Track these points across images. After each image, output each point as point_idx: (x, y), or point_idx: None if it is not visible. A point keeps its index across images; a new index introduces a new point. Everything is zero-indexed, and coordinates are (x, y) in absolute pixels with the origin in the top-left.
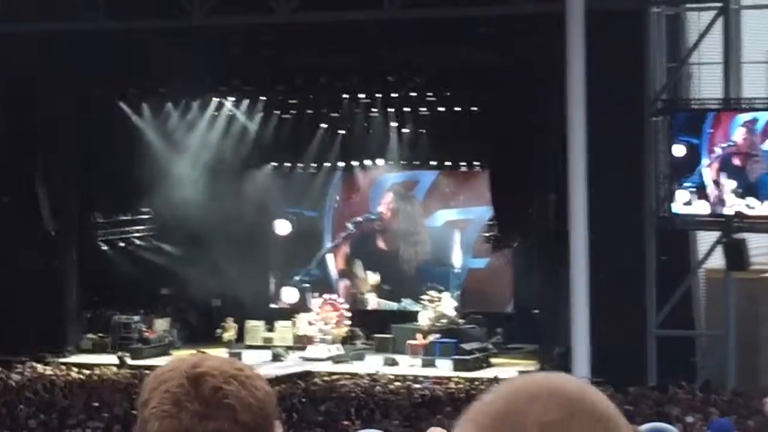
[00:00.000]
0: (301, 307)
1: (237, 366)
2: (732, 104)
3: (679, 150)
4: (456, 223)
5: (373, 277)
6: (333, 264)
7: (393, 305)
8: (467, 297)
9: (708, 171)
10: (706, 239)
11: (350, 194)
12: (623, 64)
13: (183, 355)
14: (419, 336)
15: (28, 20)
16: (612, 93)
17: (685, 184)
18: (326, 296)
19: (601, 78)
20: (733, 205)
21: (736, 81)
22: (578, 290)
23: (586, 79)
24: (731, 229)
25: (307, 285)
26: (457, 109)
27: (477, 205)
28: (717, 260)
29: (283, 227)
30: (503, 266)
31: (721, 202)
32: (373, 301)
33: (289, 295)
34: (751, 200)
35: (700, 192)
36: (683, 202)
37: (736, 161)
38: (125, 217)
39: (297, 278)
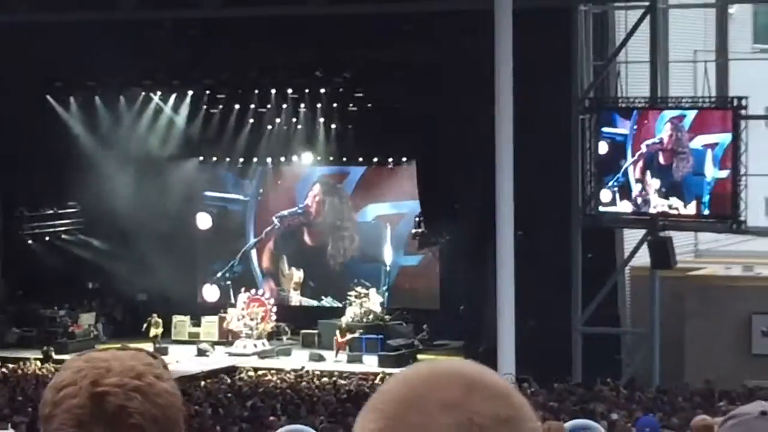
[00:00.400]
0: (223, 305)
1: (139, 371)
2: (659, 103)
3: (602, 147)
4: (387, 218)
5: (297, 274)
6: (257, 260)
7: (314, 303)
8: (397, 294)
9: (632, 169)
10: (632, 237)
11: (275, 188)
12: (551, 61)
13: (86, 355)
14: (345, 332)
15: None
16: (539, 90)
17: (609, 183)
18: (252, 292)
19: (528, 75)
20: (657, 205)
21: (663, 80)
22: (504, 287)
23: (514, 76)
24: (657, 228)
25: (229, 282)
26: (384, 104)
27: (407, 199)
28: (643, 258)
29: (204, 221)
30: (432, 263)
31: (645, 202)
32: (295, 299)
33: (210, 293)
34: (674, 200)
35: (623, 191)
36: (606, 202)
37: (662, 159)
38: (51, 211)
39: (219, 275)
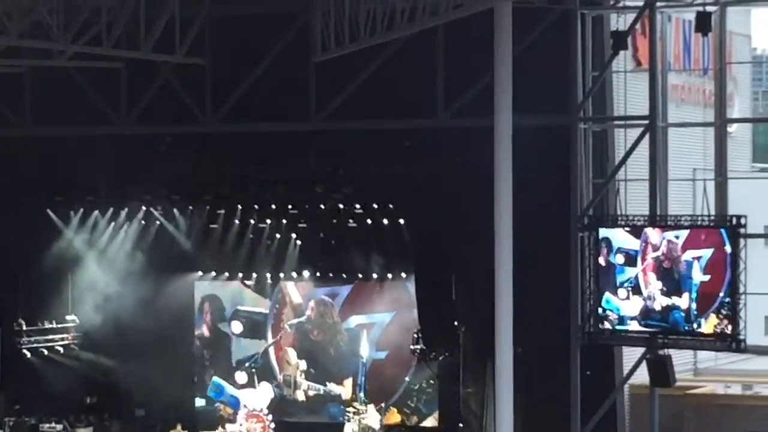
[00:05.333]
0: (251, 384)
1: None
2: (658, 221)
3: (619, 259)
4: (364, 326)
5: (302, 364)
6: (273, 354)
7: (319, 387)
8: (372, 380)
9: (641, 274)
10: (631, 355)
11: (283, 305)
12: (550, 179)
13: None
14: None
15: None
16: (538, 207)
17: (624, 284)
18: (252, 408)
19: (528, 192)
20: (661, 302)
21: (662, 198)
22: (504, 407)
23: (513, 193)
24: (656, 346)
25: (254, 370)
26: (382, 220)
27: (381, 311)
28: (642, 376)
29: (237, 327)
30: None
31: (650, 298)
32: (303, 384)
33: (241, 377)
34: (675, 298)
35: (636, 290)
36: (622, 298)
37: (664, 265)
38: (50, 325)
39: (246, 365)
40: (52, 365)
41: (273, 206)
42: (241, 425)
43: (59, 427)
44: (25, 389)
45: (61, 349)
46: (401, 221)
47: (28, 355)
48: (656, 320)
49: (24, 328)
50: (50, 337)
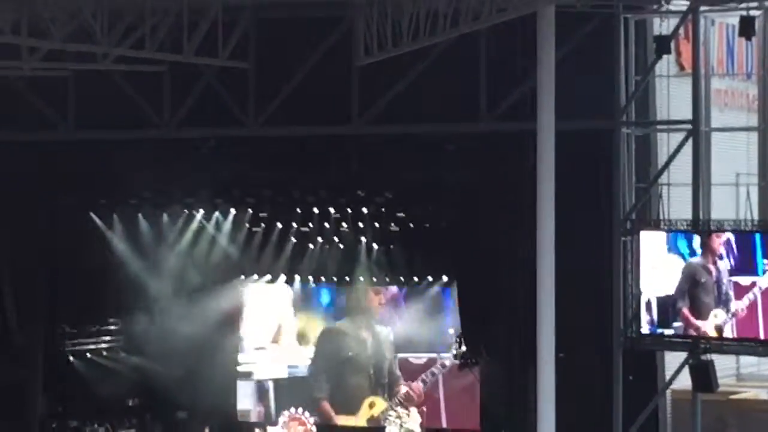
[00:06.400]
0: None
1: None
2: (701, 226)
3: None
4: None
5: None
6: None
7: None
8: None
9: None
10: (673, 360)
11: None
12: (593, 183)
13: None
14: None
15: None
16: (580, 211)
17: None
18: (293, 410)
19: (570, 197)
20: None
21: (705, 202)
22: (545, 413)
23: (555, 197)
24: (698, 351)
25: None
26: (425, 224)
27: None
28: (684, 381)
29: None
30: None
31: None
32: None
33: None
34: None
35: None
36: None
37: None
38: (93, 328)
39: None
40: (95, 368)
41: (315, 210)
42: (283, 428)
43: (101, 430)
44: (68, 392)
45: (105, 353)
46: (444, 224)
47: (72, 358)
48: None
49: (67, 330)
50: (93, 340)
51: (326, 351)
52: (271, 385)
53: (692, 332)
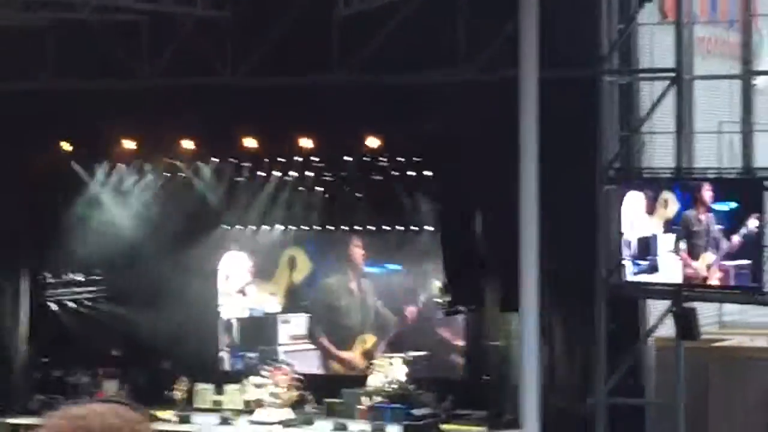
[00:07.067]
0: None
1: (118, 427)
2: (683, 174)
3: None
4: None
5: None
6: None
7: None
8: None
9: None
10: (656, 308)
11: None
12: (576, 132)
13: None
14: (367, 400)
15: None
16: (564, 160)
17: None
18: (276, 363)
19: (552, 145)
20: None
21: (688, 151)
22: (528, 359)
23: (538, 147)
24: (681, 298)
25: None
26: (406, 174)
27: (402, 263)
28: (668, 329)
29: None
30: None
31: None
32: None
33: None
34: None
35: None
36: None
37: None
38: (76, 278)
39: None
40: (78, 318)
41: (298, 159)
42: (267, 377)
43: (86, 379)
44: (51, 342)
45: (88, 302)
46: (428, 173)
47: (55, 308)
48: None
49: (48, 281)
50: (76, 290)
51: (319, 303)
52: (235, 323)
53: (689, 272)
